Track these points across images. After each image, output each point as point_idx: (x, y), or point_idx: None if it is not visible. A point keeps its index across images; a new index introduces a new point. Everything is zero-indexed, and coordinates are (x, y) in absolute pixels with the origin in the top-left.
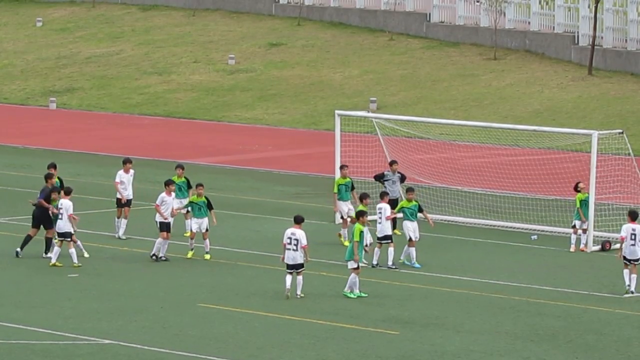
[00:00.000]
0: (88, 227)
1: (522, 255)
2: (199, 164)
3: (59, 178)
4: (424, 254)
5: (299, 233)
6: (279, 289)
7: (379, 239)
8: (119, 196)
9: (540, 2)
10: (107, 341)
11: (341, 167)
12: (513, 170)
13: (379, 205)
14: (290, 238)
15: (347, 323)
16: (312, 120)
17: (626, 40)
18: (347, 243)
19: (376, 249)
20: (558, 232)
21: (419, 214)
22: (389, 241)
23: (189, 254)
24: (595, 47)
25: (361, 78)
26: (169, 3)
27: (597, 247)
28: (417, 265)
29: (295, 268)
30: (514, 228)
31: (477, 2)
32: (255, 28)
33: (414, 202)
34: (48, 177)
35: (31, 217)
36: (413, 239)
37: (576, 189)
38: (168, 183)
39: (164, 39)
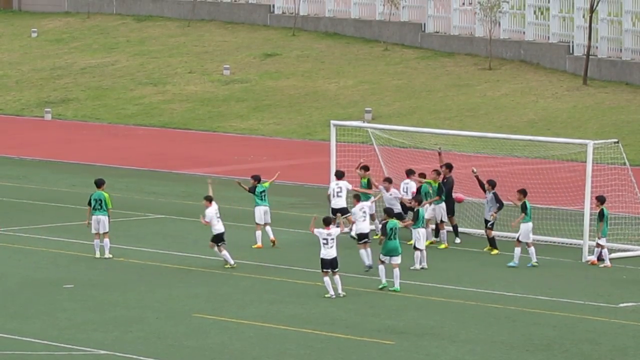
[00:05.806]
0: (84, 238)
1: (518, 265)
2: (194, 175)
3: None
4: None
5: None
6: (275, 299)
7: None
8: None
9: (535, 12)
10: (102, 352)
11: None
12: (508, 180)
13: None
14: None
15: (343, 333)
16: (307, 131)
17: (621, 50)
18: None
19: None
20: (553, 242)
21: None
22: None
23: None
24: (590, 56)
25: (356, 88)
26: (163, 14)
27: (593, 257)
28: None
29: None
30: (509, 238)
31: (471, 9)
32: (250, 38)
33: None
34: None
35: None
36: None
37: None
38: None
39: (159, 49)
